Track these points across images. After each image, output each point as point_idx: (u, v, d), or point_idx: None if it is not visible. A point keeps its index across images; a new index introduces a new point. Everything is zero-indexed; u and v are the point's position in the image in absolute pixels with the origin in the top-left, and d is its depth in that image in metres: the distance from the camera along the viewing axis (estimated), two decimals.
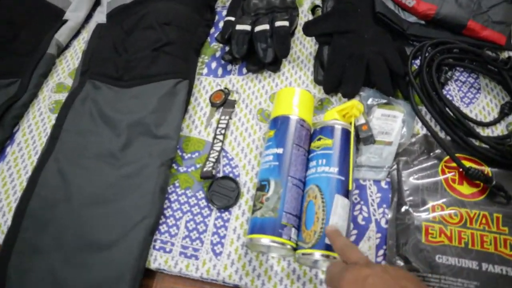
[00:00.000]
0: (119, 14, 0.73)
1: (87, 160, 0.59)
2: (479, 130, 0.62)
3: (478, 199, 0.55)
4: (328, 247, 0.48)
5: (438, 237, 0.52)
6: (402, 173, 0.57)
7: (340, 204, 0.51)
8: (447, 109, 0.61)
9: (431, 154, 0.59)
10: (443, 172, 0.57)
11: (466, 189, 0.56)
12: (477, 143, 0.59)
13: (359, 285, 0.37)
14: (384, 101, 0.62)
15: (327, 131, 0.56)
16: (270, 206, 0.51)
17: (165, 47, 0.65)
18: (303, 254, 0.49)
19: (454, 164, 0.57)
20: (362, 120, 0.58)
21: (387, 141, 0.59)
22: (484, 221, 0.53)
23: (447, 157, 0.58)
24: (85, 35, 0.75)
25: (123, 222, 0.54)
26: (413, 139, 0.60)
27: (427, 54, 0.65)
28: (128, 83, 0.64)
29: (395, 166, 0.58)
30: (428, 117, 0.62)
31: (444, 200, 0.55)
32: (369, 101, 0.62)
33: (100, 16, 0.75)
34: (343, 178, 0.52)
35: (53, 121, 0.64)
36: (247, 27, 0.65)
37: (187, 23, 0.68)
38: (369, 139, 0.58)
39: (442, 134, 0.61)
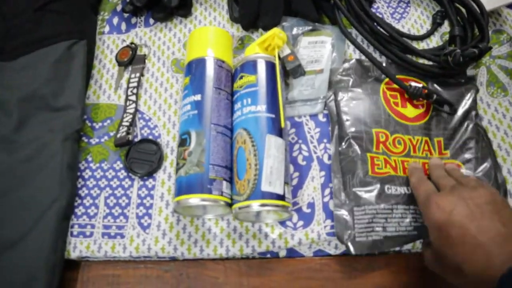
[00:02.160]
0: None
1: None
2: (414, 44, 0.57)
3: (422, 122, 0.51)
4: (266, 195, 0.42)
5: (384, 168, 0.47)
6: (340, 103, 0.51)
7: (273, 144, 0.44)
8: (378, 27, 0.55)
9: (369, 79, 0.54)
10: (385, 96, 0.52)
11: (409, 111, 0.52)
12: (414, 59, 0.54)
13: (446, 215, 0.37)
14: (310, 28, 0.56)
15: (249, 66, 0.49)
16: (194, 161, 0.44)
17: (50, 5, 0.55)
18: (239, 208, 0.43)
19: (395, 86, 0.52)
20: (287, 51, 0.51)
21: (317, 69, 0.52)
22: (426, 147, 0.49)
23: (387, 80, 0.53)
24: None
25: (27, 212, 0.46)
26: (347, 65, 0.54)
27: None
28: (11, 54, 0.54)
29: (332, 96, 0.52)
30: (359, 39, 0.57)
31: (388, 127, 0.50)
32: (294, 31, 0.56)
33: None
34: (273, 116, 0.46)
35: None
36: None
37: None
38: (298, 70, 0.51)
39: (376, 55, 0.55)
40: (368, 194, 0.46)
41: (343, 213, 0.46)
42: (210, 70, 0.49)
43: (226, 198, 0.44)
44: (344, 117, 0.50)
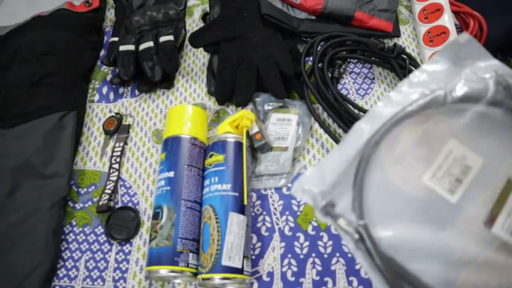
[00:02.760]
0: None
1: None
2: None
3: None
4: (226, 269, 0.47)
5: None
6: None
7: (235, 221, 0.49)
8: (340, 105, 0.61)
9: None
10: None
11: None
12: None
13: None
14: (280, 104, 0.62)
15: (217, 146, 0.54)
16: (164, 235, 0.49)
17: (44, 80, 0.61)
18: (203, 279, 0.48)
19: None
20: (255, 129, 0.57)
21: (283, 146, 0.58)
22: None
23: None
24: None
25: (14, 274, 0.51)
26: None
27: (318, 49, 0.65)
28: (9, 123, 0.60)
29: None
30: (325, 115, 0.62)
31: None
32: (265, 107, 0.62)
33: None
34: (237, 194, 0.51)
35: None
36: (131, 47, 0.63)
37: (68, 50, 0.65)
38: (265, 147, 0.57)
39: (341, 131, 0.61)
40: None
41: None
42: (184, 148, 0.54)
43: (192, 269, 0.49)
44: None
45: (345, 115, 0.61)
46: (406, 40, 0.71)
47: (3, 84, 0.62)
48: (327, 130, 0.58)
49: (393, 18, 0.69)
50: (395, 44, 0.63)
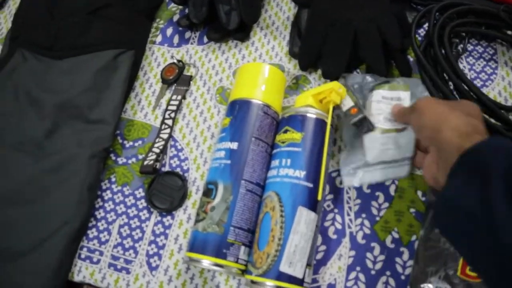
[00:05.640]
0: None
1: (3, 148, 0.48)
2: None
3: None
4: (284, 277, 0.38)
5: None
6: None
7: (304, 219, 0.40)
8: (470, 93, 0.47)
9: None
10: None
11: None
12: None
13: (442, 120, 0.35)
14: (384, 79, 0.48)
15: (296, 121, 0.44)
16: (215, 219, 0.40)
17: (102, 10, 0.52)
18: (252, 282, 0.39)
19: None
20: (349, 103, 0.45)
21: (398, 128, 0.45)
22: None
23: None
24: None
25: (41, 227, 0.45)
26: None
27: (435, 22, 0.51)
28: (58, 53, 0.52)
29: None
30: None
31: None
32: (367, 79, 0.48)
33: None
34: (311, 185, 0.41)
35: None
36: None
37: None
38: (365, 124, 0.43)
39: None
40: None
41: None
42: (253, 116, 0.44)
43: (241, 265, 0.40)
44: None
45: None
46: None
47: (58, 9, 0.54)
48: None
49: None
50: None
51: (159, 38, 0.57)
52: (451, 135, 0.33)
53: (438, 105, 0.37)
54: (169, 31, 0.57)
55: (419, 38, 0.54)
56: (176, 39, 0.56)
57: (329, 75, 0.49)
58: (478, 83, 0.52)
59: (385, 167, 0.43)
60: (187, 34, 0.57)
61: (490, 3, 0.54)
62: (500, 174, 0.28)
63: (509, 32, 0.53)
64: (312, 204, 0.40)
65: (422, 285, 0.41)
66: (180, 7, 0.58)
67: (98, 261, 0.45)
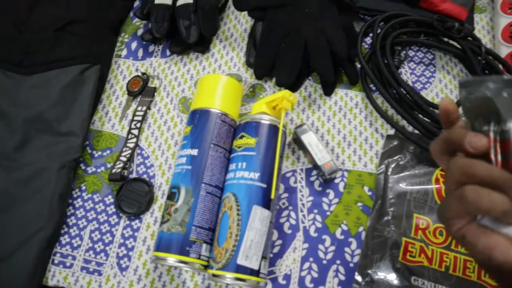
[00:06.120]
0: None
1: None
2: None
3: None
4: (241, 269, 0.42)
5: (417, 256, 0.45)
6: (389, 178, 0.49)
7: (258, 217, 0.44)
8: (407, 96, 0.52)
9: (425, 162, 0.50)
10: (437, 182, 0.49)
11: None
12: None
13: None
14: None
15: (251, 127, 0.48)
16: (178, 220, 0.44)
17: (69, 26, 0.55)
18: (213, 275, 0.43)
19: None
20: (325, 157, 0.49)
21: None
22: None
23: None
24: None
25: (14, 235, 0.47)
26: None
27: (379, 31, 0.56)
28: (27, 69, 0.55)
29: (383, 169, 0.50)
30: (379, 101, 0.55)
31: (431, 215, 0.47)
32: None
33: None
34: (264, 186, 0.45)
35: None
36: (168, 1, 0.56)
37: None
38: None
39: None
40: (391, 281, 0.44)
41: None
42: (212, 124, 0.48)
43: (203, 261, 0.44)
44: (389, 195, 0.48)
45: (408, 106, 0.52)
46: (480, 32, 0.61)
47: (27, 26, 0.57)
48: (389, 121, 0.51)
49: (469, 4, 0.60)
50: (462, 24, 0.54)
51: (124, 52, 0.60)
52: None
53: None
54: (134, 45, 0.60)
55: (366, 47, 0.59)
56: (140, 53, 0.60)
57: (282, 84, 0.53)
58: (418, 86, 0.57)
59: None
60: (151, 48, 0.60)
61: (427, 13, 0.59)
62: None
63: (445, 39, 0.58)
64: (266, 202, 0.45)
65: (368, 271, 0.45)
66: (144, 22, 0.62)
67: (71, 265, 0.48)
